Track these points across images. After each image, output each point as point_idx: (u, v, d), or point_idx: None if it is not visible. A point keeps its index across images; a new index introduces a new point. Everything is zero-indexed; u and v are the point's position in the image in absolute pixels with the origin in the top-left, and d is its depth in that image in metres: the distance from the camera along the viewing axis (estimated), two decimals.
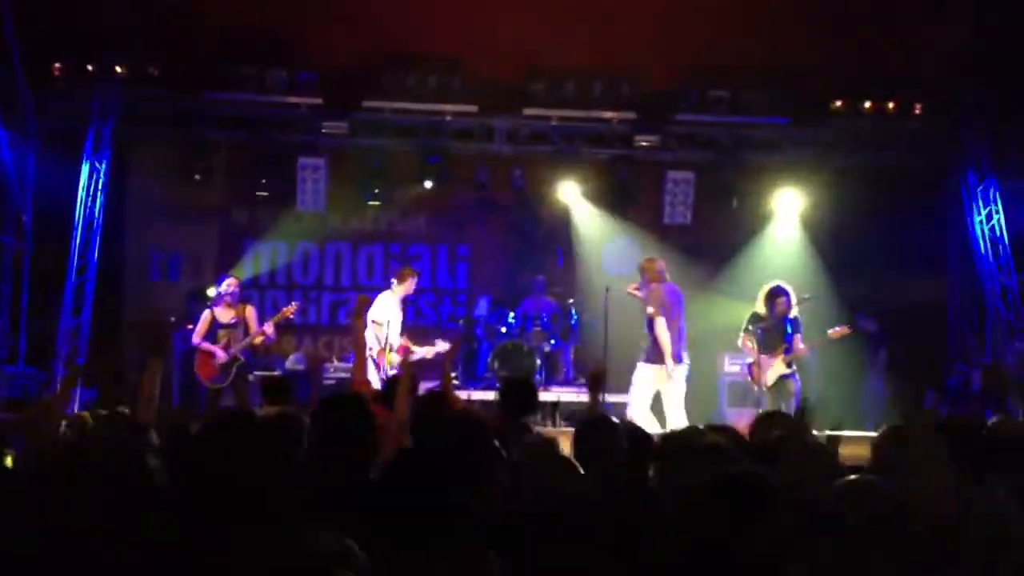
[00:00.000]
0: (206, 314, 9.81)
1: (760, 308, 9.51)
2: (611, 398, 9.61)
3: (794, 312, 9.44)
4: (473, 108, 11.84)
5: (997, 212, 11.60)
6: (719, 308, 11.36)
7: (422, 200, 12.62)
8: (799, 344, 9.35)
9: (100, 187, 11.25)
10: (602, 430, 4.20)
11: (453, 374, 8.19)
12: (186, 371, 10.48)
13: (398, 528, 2.80)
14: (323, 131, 11.85)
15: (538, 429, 6.29)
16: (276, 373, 11.04)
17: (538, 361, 11.34)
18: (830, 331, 9.54)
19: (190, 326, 10.13)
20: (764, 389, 9.35)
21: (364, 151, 12.11)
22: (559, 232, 12.72)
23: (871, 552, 2.33)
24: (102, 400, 9.98)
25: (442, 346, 9.83)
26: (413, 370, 6.49)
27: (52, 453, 4.44)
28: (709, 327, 11.07)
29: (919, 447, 3.66)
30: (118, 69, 11.13)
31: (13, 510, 2.90)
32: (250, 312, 9.89)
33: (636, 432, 4.31)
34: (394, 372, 8.92)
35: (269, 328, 9.76)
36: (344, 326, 12.67)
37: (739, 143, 12.20)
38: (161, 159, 12.07)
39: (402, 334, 9.69)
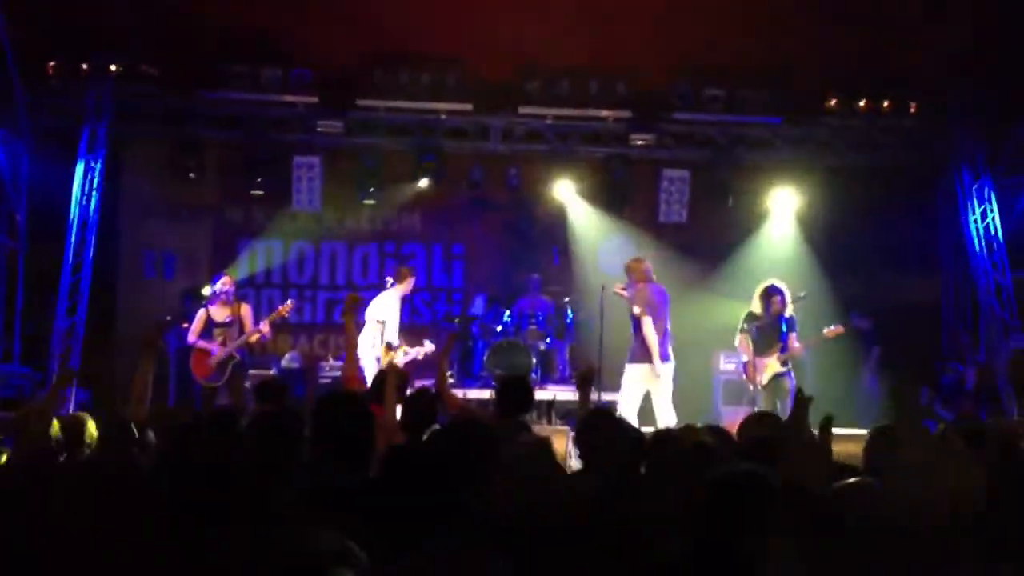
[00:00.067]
0: (201, 313, 9.80)
1: (755, 307, 9.52)
2: (606, 396, 9.65)
3: (789, 310, 9.46)
4: (468, 107, 11.84)
5: (991, 210, 11.64)
6: (714, 307, 11.38)
7: (417, 199, 12.61)
8: (794, 342, 9.38)
9: (95, 186, 11.22)
10: (606, 423, 4.20)
11: (449, 372, 8.19)
12: (181, 370, 10.47)
13: (398, 528, 2.80)
14: (318, 130, 11.84)
15: (534, 427, 6.29)
16: (271, 372, 11.04)
17: (534, 359, 11.35)
18: (825, 330, 9.56)
19: (185, 325, 10.11)
20: (759, 387, 9.38)
21: (359, 150, 12.12)
22: (555, 231, 12.72)
23: (871, 552, 2.34)
24: (96, 400, 9.98)
25: (429, 346, 9.85)
26: (399, 369, 6.50)
27: (43, 452, 4.45)
28: (704, 326, 11.08)
29: (909, 446, 3.67)
30: (112, 68, 11.11)
31: (6, 509, 2.89)
32: (245, 310, 9.88)
33: (631, 431, 4.32)
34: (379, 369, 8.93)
35: (265, 326, 9.75)
36: (339, 325, 12.66)
37: (734, 142, 12.22)
38: (156, 158, 12.04)
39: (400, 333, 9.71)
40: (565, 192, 12.31)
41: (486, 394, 10.27)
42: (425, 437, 4.86)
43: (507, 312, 11.81)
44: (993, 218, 11.63)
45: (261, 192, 12.05)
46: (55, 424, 4.65)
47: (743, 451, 4.08)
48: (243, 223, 12.87)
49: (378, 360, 9.20)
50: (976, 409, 10.76)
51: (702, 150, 12.26)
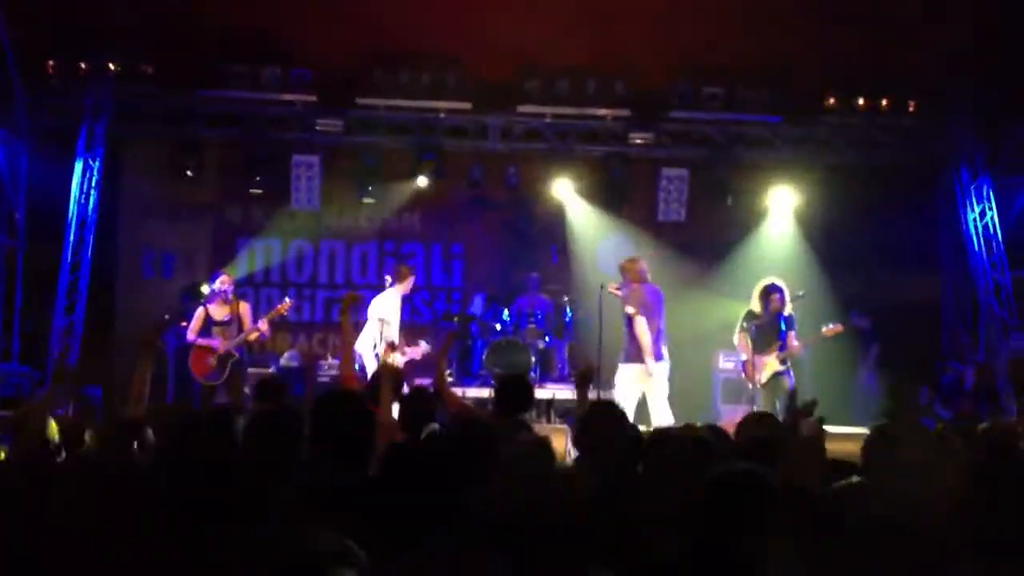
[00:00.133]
0: (200, 311, 9.80)
1: (754, 305, 9.52)
2: (605, 395, 9.63)
3: (788, 309, 9.46)
4: (467, 105, 11.84)
5: (990, 209, 11.64)
6: (713, 305, 11.38)
7: (417, 198, 12.60)
8: (793, 341, 9.38)
9: (93, 185, 11.23)
10: (607, 419, 4.19)
11: (448, 371, 8.19)
12: (180, 368, 10.46)
13: (397, 527, 2.80)
14: (317, 128, 11.84)
15: (533, 426, 6.29)
16: (270, 371, 11.04)
17: (533, 358, 11.34)
18: (824, 328, 9.56)
19: (184, 323, 10.11)
20: (758, 386, 9.38)
21: (358, 148, 12.12)
22: (553, 229, 12.72)
23: (870, 552, 2.34)
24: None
25: (425, 347, 9.85)
26: (393, 368, 6.49)
27: (39, 450, 4.45)
28: (703, 324, 11.09)
29: (908, 446, 3.67)
30: (111, 67, 11.12)
31: (4, 508, 2.89)
32: (244, 309, 9.88)
33: (630, 429, 4.32)
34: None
35: (263, 325, 9.75)
36: (338, 324, 12.65)
37: (733, 140, 12.22)
38: (155, 157, 12.04)
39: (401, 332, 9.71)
40: (564, 191, 12.31)
41: (485, 393, 10.27)
42: (423, 436, 4.86)
43: (506, 311, 11.81)
44: (992, 217, 11.63)
45: (260, 191, 12.06)
46: (52, 424, 4.65)
47: (742, 451, 4.07)
48: (242, 222, 12.86)
49: (378, 358, 9.19)
50: (975, 408, 10.75)
51: (700, 149, 12.26)
